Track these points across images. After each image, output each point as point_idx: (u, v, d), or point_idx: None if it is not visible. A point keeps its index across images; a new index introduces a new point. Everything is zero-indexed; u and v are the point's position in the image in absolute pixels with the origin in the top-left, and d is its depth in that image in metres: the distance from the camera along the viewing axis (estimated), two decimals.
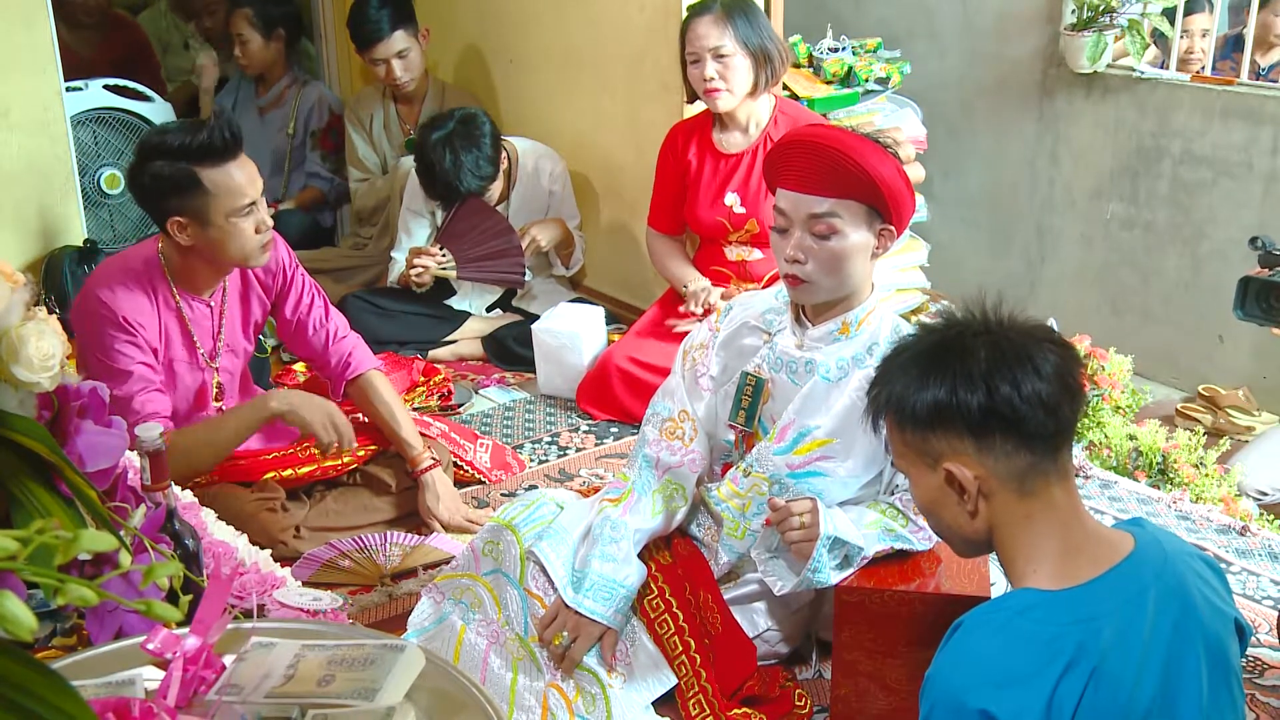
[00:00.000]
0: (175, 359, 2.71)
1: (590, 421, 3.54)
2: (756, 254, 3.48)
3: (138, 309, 2.62)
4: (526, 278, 3.96)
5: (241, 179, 2.55)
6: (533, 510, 2.33)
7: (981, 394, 1.47)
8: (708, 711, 2.16)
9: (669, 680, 2.21)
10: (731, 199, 3.44)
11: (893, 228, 2.18)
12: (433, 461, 2.88)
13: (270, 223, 2.64)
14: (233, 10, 4.51)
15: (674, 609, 2.24)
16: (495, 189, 3.87)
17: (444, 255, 3.82)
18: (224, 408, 2.83)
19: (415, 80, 4.25)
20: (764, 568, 2.20)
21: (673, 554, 2.33)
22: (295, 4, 4.60)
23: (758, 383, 2.28)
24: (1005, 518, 1.51)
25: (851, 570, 2.15)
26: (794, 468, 2.24)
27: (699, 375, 2.37)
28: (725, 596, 2.30)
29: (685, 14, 3.39)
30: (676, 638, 2.22)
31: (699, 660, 2.20)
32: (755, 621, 2.31)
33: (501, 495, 3.12)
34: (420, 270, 3.80)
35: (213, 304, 2.75)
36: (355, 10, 4.18)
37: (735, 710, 2.18)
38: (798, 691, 2.29)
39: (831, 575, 2.12)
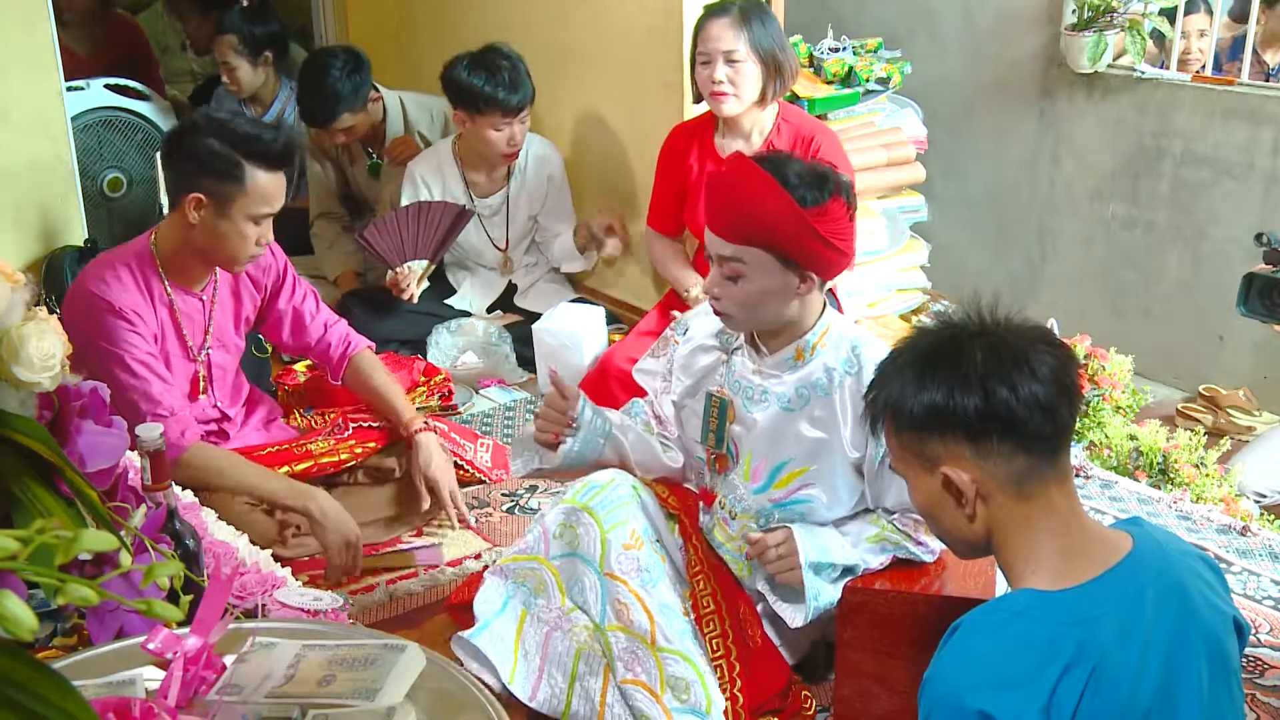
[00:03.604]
0: (171, 353, 2.72)
1: None
2: None
3: (133, 302, 2.61)
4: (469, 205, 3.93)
5: (274, 191, 2.58)
6: (608, 492, 2.23)
7: (978, 397, 1.47)
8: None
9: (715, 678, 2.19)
10: None
11: (812, 274, 2.13)
12: (425, 425, 2.89)
13: (270, 239, 2.66)
14: (216, 37, 4.36)
15: (723, 612, 2.22)
16: (498, 174, 3.90)
17: (410, 269, 3.80)
18: (218, 403, 2.85)
19: (359, 137, 4.18)
20: (777, 607, 2.20)
21: (715, 569, 2.31)
22: (278, 20, 4.51)
23: (722, 404, 2.28)
24: (1004, 521, 1.50)
25: (855, 580, 2.16)
26: (777, 500, 2.24)
27: (659, 394, 2.42)
28: None
29: (701, 12, 3.33)
30: (720, 640, 2.20)
31: (737, 669, 2.18)
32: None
33: (502, 495, 3.12)
34: (409, 293, 3.80)
35: (204, 298, 2.76)
36: (303, 90, 4.02)
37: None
38: (804, 693, 2.29)
39: (837, 591, 2.13)
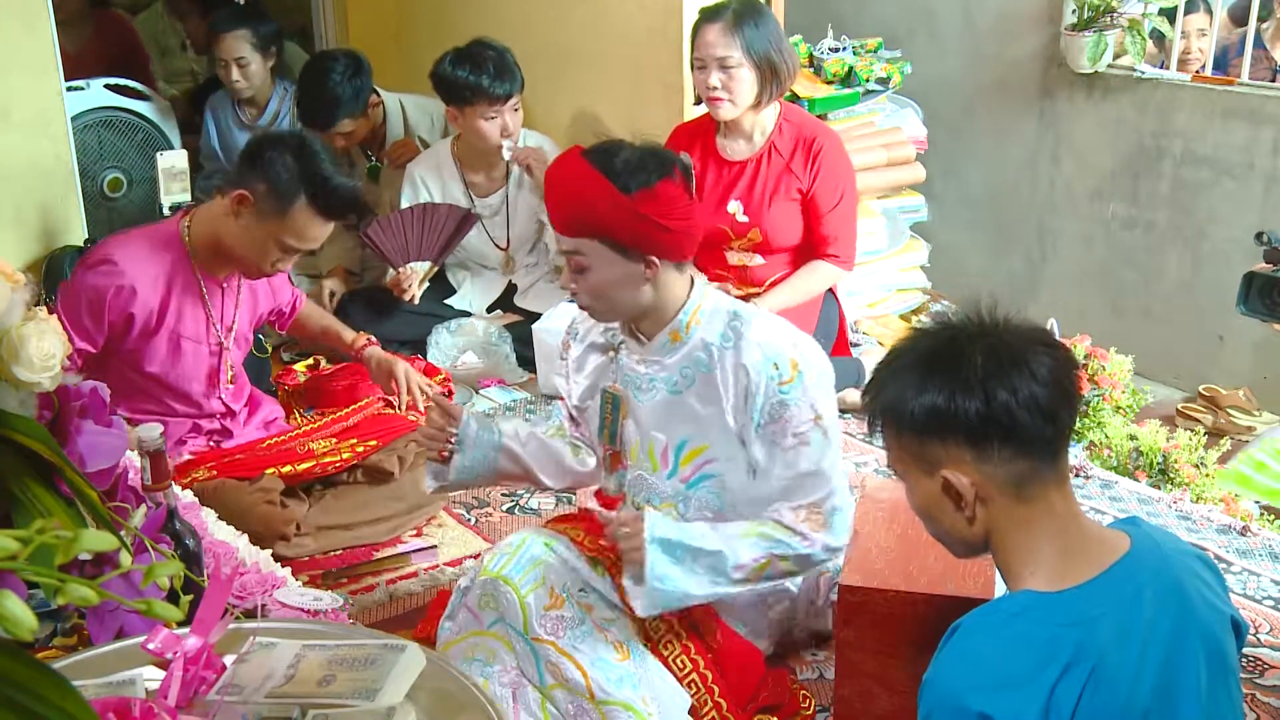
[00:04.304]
0: (184, 335, 2.77)
1: None
2: (758, 259, 3.46)
3: (143, 278, 2.67)
4: (473, 208, 3.93)
5: (311, 232, 2.67)
6: (520, 555, 2.18)
7: (979, 400, 1.46)
8: None
9: (685, 700, 2.16)
10: (734, 207, 3.40)
11: (652, 258, 2.12)
12: (369, 341, 3.14)
13: (287, 269, 2.78)
14: (221, 35, 4.28)
15: (676, 628, 2.21)
16: (498, 174, 3.91)
17: (413, 270, 3.80)
18: (222, 396, 2.90)
19: (359, 141, 4.19)
20: (629, 593, 2.12)
21: None
22: (273, 22, 4.48)
23: (614, 400, 2.30)
24: (1003, 523, 1.50)
25: (732, 583, 2.10)
26: (686, 479, 2.25)
27: (569, 397, 2.46)
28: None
29: (697, 16, 3.34)
30: (684, 656, 2.19)
31: (710, 677, 2.17)
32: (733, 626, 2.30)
33: (502, 495, 3.12)
34: (410, 294, 3.79)
35: (226, 287, 2.83)
36: (303, 93, 4.02)
37: None
38: (802, 693, 2.29)
39: (702, 586, 2.07)
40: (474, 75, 3.67)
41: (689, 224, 2.14)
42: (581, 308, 2.23)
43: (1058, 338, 1.65)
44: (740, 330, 2.18)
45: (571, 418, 2.47)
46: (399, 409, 3.07)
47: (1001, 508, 1.49)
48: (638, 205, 2.06)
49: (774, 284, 3.41)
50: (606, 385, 2.32)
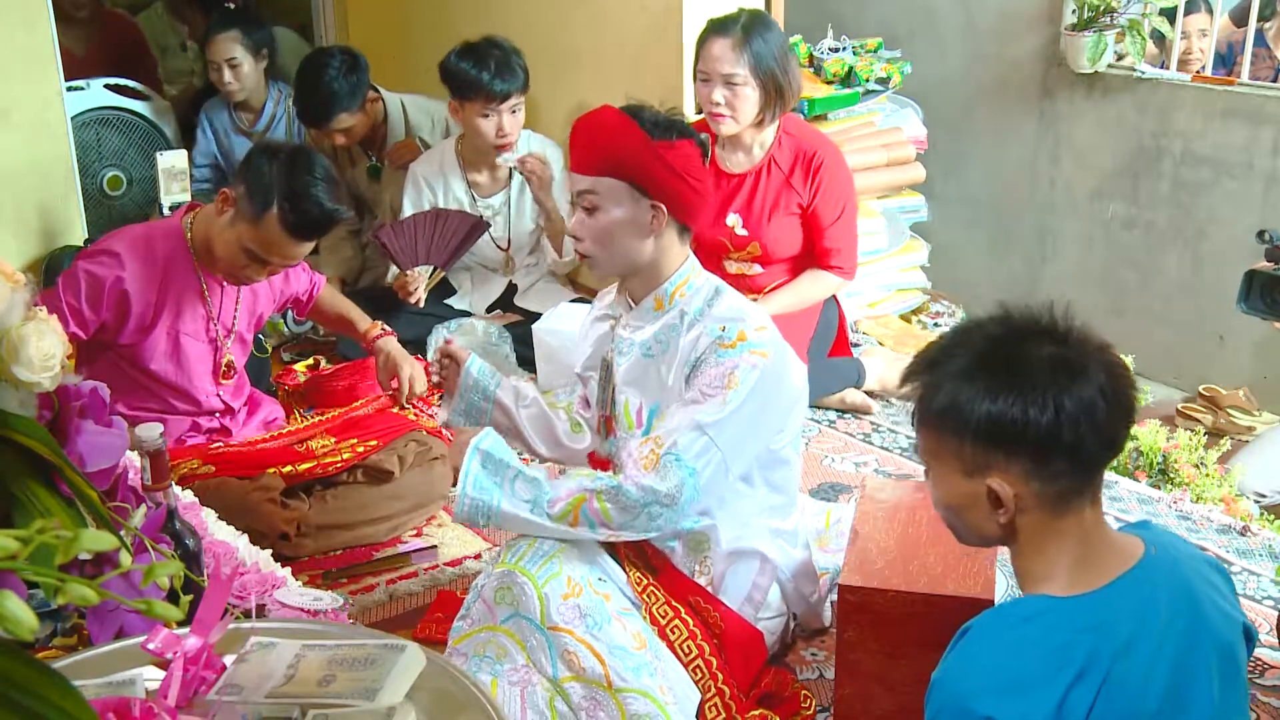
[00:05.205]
0: (183, 331, 2.79)
1: None
2: (757, 269, 3.45)
3: (143, 270, 2.70)
4: (481, 212, 3.94)
5: (280, 251, 2.66)
6: (537, 546, 2.19)
7: (1050, 415, 1.43)
8: (724, 716, 2.16)
9: (696, 698, 2.17)
10: (733, 220, 3.39)
11: (662, 206, 2.18)
12: (384, 331, 3.05)
13: (258, 280, 2.77)
14: (213, 36, 4.27)
15: (681, 615, 2.22)
16: (501, 174, 3.91)
17: (419, 273, 3.80)
18: (220, 393, 2.90)
19: (358, 139, 4.19)
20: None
21: (655, 565, 2.31)
22: (267, 26, 4.47)
23: (609, 366, 2.35)
24: (1033, 531, 1.49)
25: (549, 518, 2.10)
26: None
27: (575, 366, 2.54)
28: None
29: (704, 25, 3.31)
30: (690, 641, 2.20)
31: (715, 663, 2.18)
32: None
33: None
34: (416, 297, 3.79)
35: (226, 285, 2.84)
36: (300, 90, 4.01)
37: (753, 712, 2.18)
38: (803, 692, 2.29)
39: (518, 508, 2.10)
40: (475, 69, 3.66)
41: (701, 186, 2.22)
42: (583, 257, 2.28)
43: None
44: (713, 304, 2.24)
45: (584, 397, 2.51)
46: (400, 403, 3.06)
47: (1038, 519, 1.48)
48: (660, 150, 2.15)
49: (774, 290, 3.40)
50: (606, 354, 2.38)
